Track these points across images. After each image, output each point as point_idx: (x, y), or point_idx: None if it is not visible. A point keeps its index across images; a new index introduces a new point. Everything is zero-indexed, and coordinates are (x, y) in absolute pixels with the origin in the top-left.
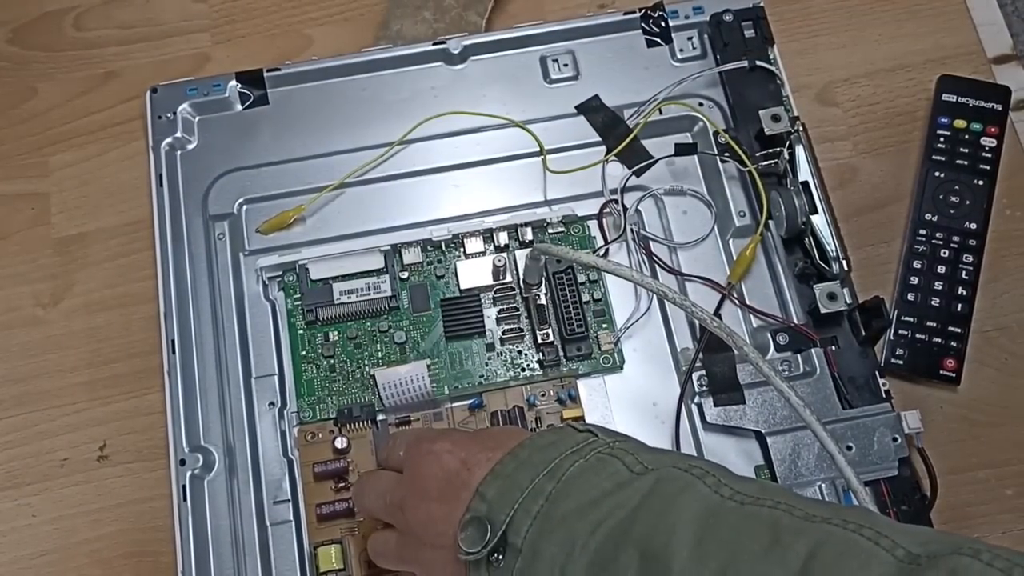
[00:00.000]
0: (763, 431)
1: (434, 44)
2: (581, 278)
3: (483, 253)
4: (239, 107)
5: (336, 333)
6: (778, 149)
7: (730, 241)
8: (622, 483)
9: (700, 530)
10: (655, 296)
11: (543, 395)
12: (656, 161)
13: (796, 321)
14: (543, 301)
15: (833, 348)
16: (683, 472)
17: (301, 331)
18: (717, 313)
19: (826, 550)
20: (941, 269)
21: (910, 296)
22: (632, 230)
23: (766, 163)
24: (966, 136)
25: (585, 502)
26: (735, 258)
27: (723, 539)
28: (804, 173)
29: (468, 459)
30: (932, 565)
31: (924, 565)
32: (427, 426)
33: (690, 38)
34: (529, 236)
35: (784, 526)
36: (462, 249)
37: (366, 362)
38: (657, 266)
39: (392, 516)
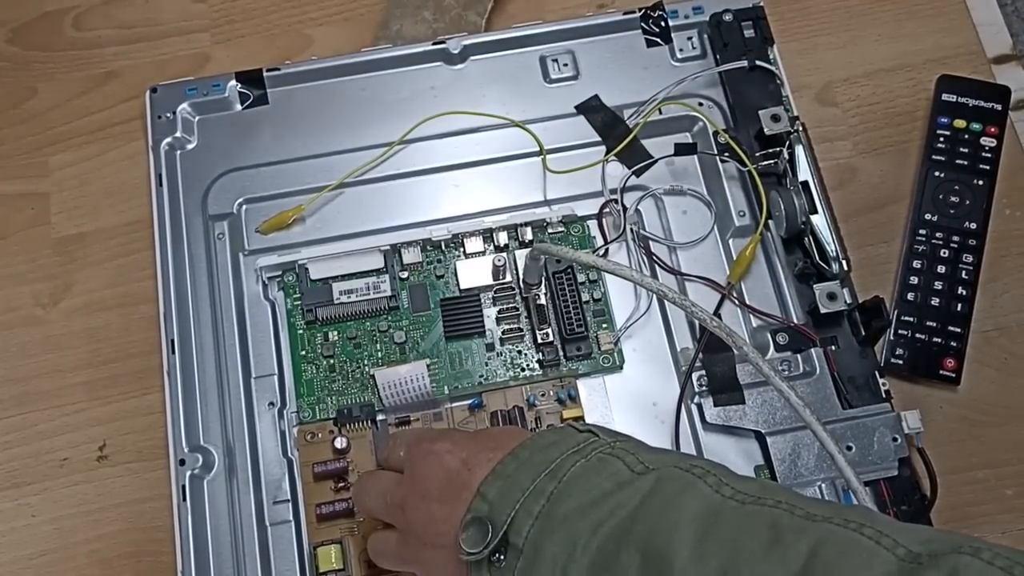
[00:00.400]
0: (763, 431)
1: (434, 44)
2: (581, 278)
3: (483, 253)
4: (239, 107)
5: (336, 333)
6: (778, 149)
7: (730, 241)
8: (623, 483)
9: (701, 529)
10: (655, 296)
11: (543, 395)
12: (656, 161)
13: (796, 321)
14: (543, 301)
15: (833, 348)
16: (684, 472)
17: (301, 331)
18: (717, 313)
19: (827, 549)
20: (941, 269)
21: (910, 296)
22: (632, 230)
23: (766, 163)
24: (966, 136)
25: (586, 502)
26: (735, 258)
27: (724, 538)
28: (804, 173)
29: (469, 459)
30: (933, 564)
31: (925, 564)
32: (427, 426)
33: (690, 38)
34: (529, 236)
35: (785, 525)
36: (462, 249)
37: (366, 362)
38: (657, 266)
39: (392, 516)
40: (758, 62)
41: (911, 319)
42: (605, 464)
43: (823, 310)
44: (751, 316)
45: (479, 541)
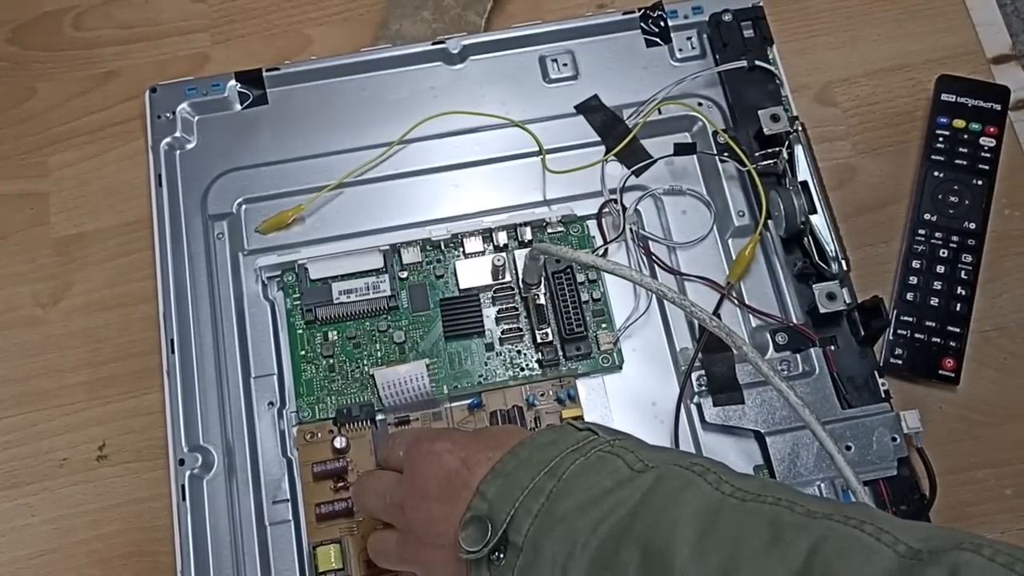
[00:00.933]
0: (762, 431)
1: (433, 44)
2: (580, 278)
3: (482, 253)
4: (238, 107)
5: (335, 333)
6: (777, 149)
7: (729, 241)
8: (623, 481)
9: (701, 527)
10: (654, 296)
11: (542, 395)
12: (655, 161)
13: (795, 321)
14: (542, 301)
15: (832, 348)
16: (684, 469)
17: (300, 331)
18: (716, 313)
19: (828, 546)
20: (940, 269)
21: (909, 296)
22: (631, 230)
23: (765, 163)
24: (965, 136)
25: (586, 500)
26: (734, 258)
27: (724, 536)
28: (803, 173)
29: (468, 458)
30: (934, 561)
31: (926, 561)
32: (426, 426)
33: (689, 38)
34: (528, 236)
35: (785, 523)
36: (461, 249)
37: (365, 362)
38: (656, 266)
39: (392, 516)
40: (757, 62)
41: (910, 319)
42: (604, 462)
43: (822, 310)
44: (750, 316)
45: (479, 540)
